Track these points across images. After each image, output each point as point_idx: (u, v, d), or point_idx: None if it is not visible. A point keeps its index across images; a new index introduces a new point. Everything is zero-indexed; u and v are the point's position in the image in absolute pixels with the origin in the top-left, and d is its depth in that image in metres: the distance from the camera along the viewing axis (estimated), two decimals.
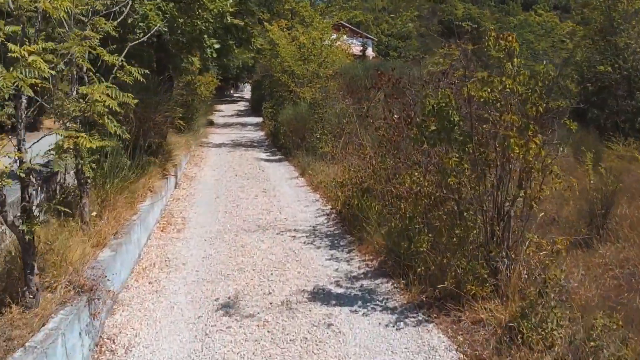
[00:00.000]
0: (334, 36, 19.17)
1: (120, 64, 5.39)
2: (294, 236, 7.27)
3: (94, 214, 5.64)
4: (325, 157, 12.24)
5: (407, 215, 5.76)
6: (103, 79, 5.42)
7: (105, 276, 4.80)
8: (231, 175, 12.16)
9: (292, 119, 15.68)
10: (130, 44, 5.82)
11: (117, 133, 5.27)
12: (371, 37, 53.73)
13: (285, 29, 19.30)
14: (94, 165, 5.39)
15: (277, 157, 15.49)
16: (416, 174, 5.62)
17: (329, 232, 7.48)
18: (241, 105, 38.84)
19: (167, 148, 10.12)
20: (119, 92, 4.66)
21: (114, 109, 5.09)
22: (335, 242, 7.04)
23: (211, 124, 24.64)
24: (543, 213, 5.14)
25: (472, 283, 4.55)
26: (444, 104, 5.04)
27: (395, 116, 7.14)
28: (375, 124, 7.55)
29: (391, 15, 68.72)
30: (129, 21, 8.17)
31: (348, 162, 8.93)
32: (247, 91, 46.01)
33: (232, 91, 51.30)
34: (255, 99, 32.90)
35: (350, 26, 40.59)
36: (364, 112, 9.48)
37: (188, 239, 7.12)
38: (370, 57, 42.80)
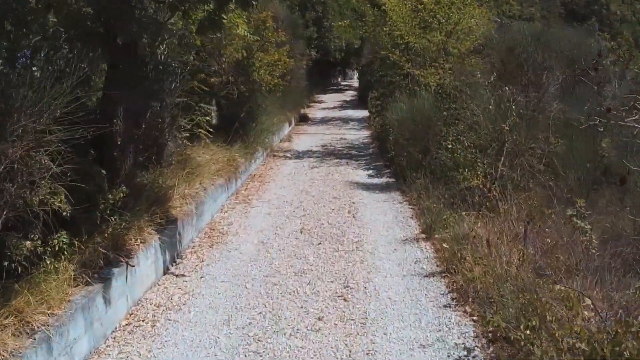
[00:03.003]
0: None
1: None
2: None
3: None
4: (472, 195, 6.39)
5: None
6: None
7: None
8: (293, 229, 6.59)
9: (408, 118, 9.73)
10: None
11: None
12: (494, 17, 47.07)
13: None
14: None
15: (383, 179, 9.69)
16: None
17: None
18: (348, 95, 33.11)
19: (145, 193, 4.79)
20: None
21: None
22: None
23: (304, 119, 19.26)
24: None
25: None
26: None
27: None
28: None
29: None
30: None
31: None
32: (356, 79, 40.37)
33: (339, 79, 45.76)
34: (362, 88, 27.06)
35: None
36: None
37: None
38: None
